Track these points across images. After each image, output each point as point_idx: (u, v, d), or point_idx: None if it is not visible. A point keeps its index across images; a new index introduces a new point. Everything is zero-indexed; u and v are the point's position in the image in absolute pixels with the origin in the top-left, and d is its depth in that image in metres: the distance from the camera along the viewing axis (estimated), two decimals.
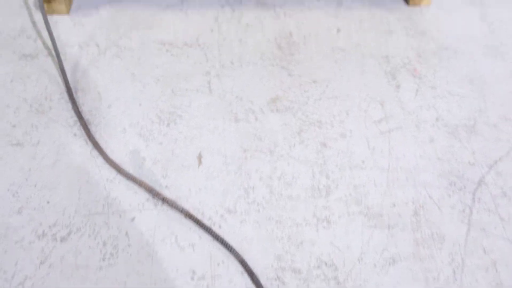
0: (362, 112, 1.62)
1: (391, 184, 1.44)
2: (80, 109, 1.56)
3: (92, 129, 1.52)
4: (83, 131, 1.51)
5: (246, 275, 1.24)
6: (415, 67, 1.77)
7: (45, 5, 1.80)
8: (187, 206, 1.36)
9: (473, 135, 1.57)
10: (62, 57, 1.70)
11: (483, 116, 1.63)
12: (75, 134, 1.51)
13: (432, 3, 2.00)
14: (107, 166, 1.44)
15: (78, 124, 1.53)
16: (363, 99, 1.65)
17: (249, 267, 1.25)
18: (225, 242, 1.28)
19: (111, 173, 1.42)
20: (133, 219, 1.33)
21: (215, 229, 1.32)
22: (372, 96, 1.66)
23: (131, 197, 1.37)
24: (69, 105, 1.57)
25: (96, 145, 1.47)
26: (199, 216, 1.34)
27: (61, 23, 1.82)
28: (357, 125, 1.58)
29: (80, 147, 1.48)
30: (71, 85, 1.62)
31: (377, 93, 1.67)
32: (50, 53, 1.72)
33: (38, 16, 1.83)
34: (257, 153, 1.49)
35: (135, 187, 1.40)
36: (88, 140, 1.49)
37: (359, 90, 1.68)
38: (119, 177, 1.42)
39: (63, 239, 1.29)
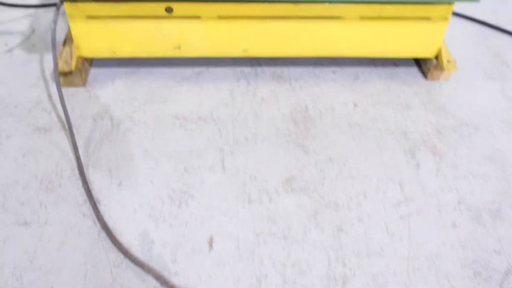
0: (380, 193, 1.56)
1: (411, 274, 1.37)
2: (90, 187, 1.53)
3: (102, 208, 1.48)
4: (92, 211, 1.47)
5: None
6: (435, 145, 1.71)
7: (62, 78, 1.80)
8: None
9: (498, 220, 1.50)
10: (76, 131, 1.68)
11: (507, 199, 1.56)
12: (84, 214, 1.47)
13: (451, 77, 1.97)
14: (114, 249, 1.39)
15: (88, 203, 1.49)
16: (381, 179, 1.60)
17: None
18: None
19: (118, 257, 1.37)
20: None
21: None
22: (391, 175, 1.61)
23: (138, 285, 1.31)
24: (80, 182, 1.54)
25: (104, 227, 1.43)
26: None
27: (77, 96, 1.81)
28: (375, 208, 1.52)
29: (88, 228, 1.43)
30: (83, 161, 1.60)
31: (396, 172, 1.62)
32: (64, 127, 1.71)
33: (54, 88, 1.84)
34: (270, 238, 1.43)
35: (142, 273, 1.34)
36: (96, 221, 1.45)
37: (377, 169, 1.62)
38: (127, 262, 1.36)
39: None
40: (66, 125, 1.67)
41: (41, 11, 2.18)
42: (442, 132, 1.76)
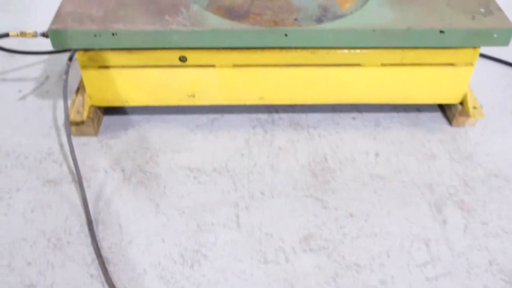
0: (404, 253, 1.46)
1: None
2: (99, 245, 1.47)
3: (111, 268, 1.41)
4: (100, 272, 1.40)
5: None
6: (463, 199, 1.62)
7: (74, 128, 1.76)
8: None
9: None
10: (87, 184, 1.63)
11: None
12: (91, 275, 1.40)
13: (477, 123, 1.87)
14: None
15: (96, 262, 1.43)
16: (405, 237, 1.50)
17: None
18: None
19: None
20: None
21: None
22: (416, 233, 1.51)
23: None
24: (89, 240, 1.48)
25: None
26: None
27: (89, 146, 1.77)
28: (399, 270, 1.42)
29: None
30: (92, 216, 1.54)
31: (421, 229, 1.52)
32: (74, 179, 1.66)
33: (66, 138, 1.79)
34: None
35: None
36: (105, 283, 1.38)
37: (401, 226, 1.53)
38: None
39: None
40: (77, 178, 1.62)
41: (55, 56, 2.17)
42: (469, 184, 1.67)
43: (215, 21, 1.59)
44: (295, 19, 1.59)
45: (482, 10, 1.66)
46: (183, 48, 1.63)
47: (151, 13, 1.62)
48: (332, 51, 1.65)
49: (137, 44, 1.59)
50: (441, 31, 1.59)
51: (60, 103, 1.94)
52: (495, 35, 1.62)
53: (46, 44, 2.18)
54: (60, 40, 1.58)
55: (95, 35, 1.57)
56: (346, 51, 1.66)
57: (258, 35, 1.58)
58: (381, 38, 1.60)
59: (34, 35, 1.66)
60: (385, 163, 1.73)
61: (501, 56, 2.19)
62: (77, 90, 1.82)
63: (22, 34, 1.66)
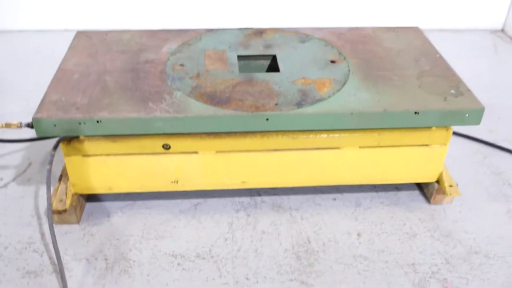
0: None
1: None
2: None
3: None
4: None
5: None
6: (445, 277, 1.63)
7: (56, 216, 1.75)
8: None
9: None
10: (68, 274, 1.60)
11: None
12: None
13: (454, 200, 1.92)
14: None
15: None
16: None
17: None
18: None
19: None
20: None
21: None
22: None
23: None
24: None
25: None
26: None
27: (71, 234, 1.75)
28: None
29: None
30: None
31: None
32: (55, 269, 1.63)
33: (47, 227, 1.78)
34: None
35: None
36: None
37: None
38: None
39: None
40: (58, 269, 1.59)
41: (37, 143, 2.18)
42: (451, 262, 1.69)
43: (198, 107, 1.64)
44: (276, 104, 1.65)
45: (452, 91, 1.75)
46: (167, 134, 1.67)
47: (135, 100, 1.67)
48: (312, 135, 1.71)
49: (122, 131, 1.62)
50: (416, 112, 1.67)
51: (42, 191, 1.94)
52: (467, 115, 1.70)
53: (27, 132, 2.21)
54: (45, 128, 1.60)
55: (79, 123, 1.59)
56: (325, 135, 1.72)
57: (241, 120, 1.63)
58: (359, 120, 1.66)
59: (19, 126, 1.68)
60: (368, 244, 1.74)
61: (471, 134, 2.29)
62: (60, 178, 1.83)
63: (7, 125, 1.68)
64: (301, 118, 1.64)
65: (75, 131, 1.62)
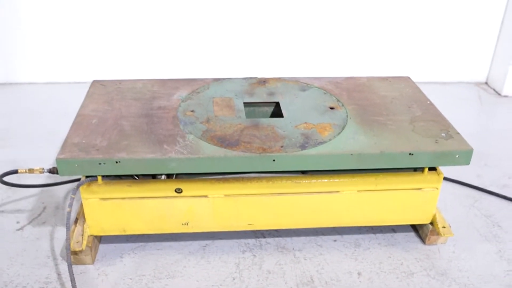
0: None
1: None
2: None
3: None
4: None
5: None
6: None
7: (72, 257, 1.85)
8: None
9: None
10: None
11: None
12: None
13: (448, 241, 2.04)
14: None
15: None
16: None
17: None
18: None
19: None
20: None
21: None
22: None
23: None
24: None
25: None
26: None
27: (86, 274, 1.84)
28: None
29: None
30: None
31: None
32: None
33: (63, 267, 1.87)
34: None
35: None
36: None
37: None
38: None
39: None
40: None
41: (50, 189, 2.29)
42: None
43: (210, 149, 1.76)
44: (281, 146, 1.79)
45: (443, 134, 1.90)
46: (179, 179, 1.80)
47: (151, 142, 1.79)
48: (314, 180, 1.85)
49: (139, 170, 1.74)
50: (410, 154, 1.81)
51: (57, 233, 2.04)
52: (457, 156, 1.83)
53: (42, 178, 2.32)
54: (67, 168, 1.70)
55: (99, 163, 1.71)
56: (326, 179, 1.85)
57: (250, 161, 1.76)
58: (358, 161, 1.79)
59: (42, 171, 1.80)
60: (368, 282, 1.85)
61: (462, 179, 2.43)
62: (76, 221, 1.94)
63: (30, 171, 1.80)
64: (305, 159, 1.77)
65: (95, 171, 1.73)
